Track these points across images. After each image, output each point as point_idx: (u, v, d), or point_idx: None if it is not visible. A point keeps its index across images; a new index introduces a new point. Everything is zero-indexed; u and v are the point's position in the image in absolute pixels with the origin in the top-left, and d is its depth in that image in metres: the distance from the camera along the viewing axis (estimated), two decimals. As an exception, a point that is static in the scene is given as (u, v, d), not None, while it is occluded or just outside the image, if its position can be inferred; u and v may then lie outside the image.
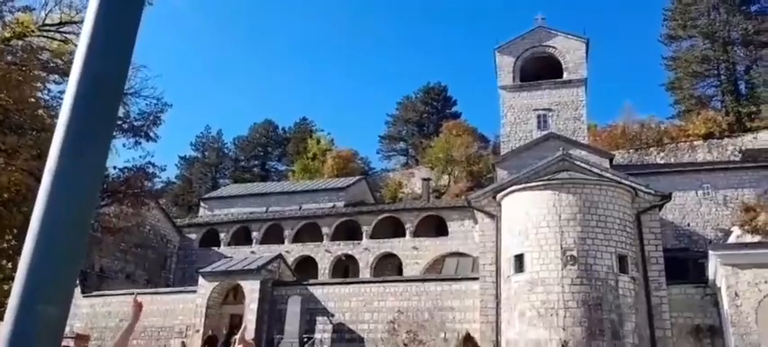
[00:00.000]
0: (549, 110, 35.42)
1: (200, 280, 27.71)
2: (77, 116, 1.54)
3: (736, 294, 18.56)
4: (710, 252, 20.08)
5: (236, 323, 26.28)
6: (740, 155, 39.10)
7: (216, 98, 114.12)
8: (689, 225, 32.93)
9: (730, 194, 32.77)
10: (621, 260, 20.73)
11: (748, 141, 40.86)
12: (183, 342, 27.07)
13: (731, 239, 28.23)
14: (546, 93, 35.87)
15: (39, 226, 1.47)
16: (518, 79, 36.68)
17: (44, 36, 14.58)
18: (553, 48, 36.73)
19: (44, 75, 13.65)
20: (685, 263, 25.24)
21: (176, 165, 71.69)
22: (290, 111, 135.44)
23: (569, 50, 36.31)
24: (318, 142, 62.33)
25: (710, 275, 20.65)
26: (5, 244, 12.53)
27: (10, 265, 12.64)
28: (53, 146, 1.52)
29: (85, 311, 30.03)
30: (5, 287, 12.57)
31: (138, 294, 6.70)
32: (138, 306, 4.87)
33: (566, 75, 35.84)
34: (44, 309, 1.43)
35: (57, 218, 1.47)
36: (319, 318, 25.45)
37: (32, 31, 14.13)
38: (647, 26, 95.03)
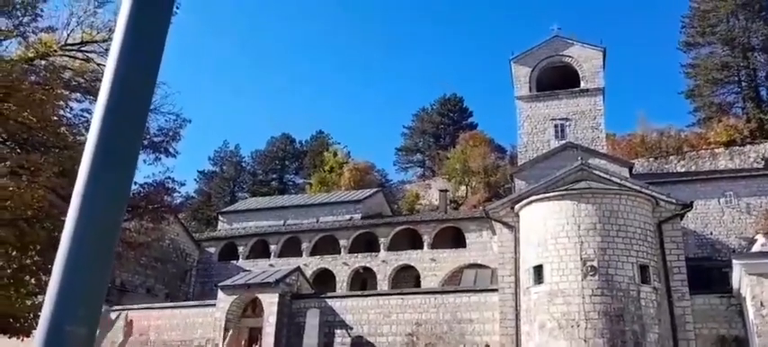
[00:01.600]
0: (567, 119, 35.23)
1: (220, 293, 27.86)
2: (105, 139, 1.56)
3: (762, 304, 18.16)
4: (734, 261, 19.71)
5: (254, 336, 26.38)
6: (763, 161, 38.46)
7: (233, 113, 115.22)
8: (711, 233, 32.41)
9: (753, 202, 32.23)
10: (643, 270, 20.46)
11: (771, 148, 40.20)
12: None
13: (755, 248, 27.64)
14: (563, 102, 35.71)
15: (67, 249, 1.49)
16: (535, 89, 36.57)
17: (66, 55, 14.83)
18: (570, 57, 36.59)
19: (67, 93, 13.86)
20: (709, 273, 24.78)
21: (195, 180, 72.37)
22: (306, 125, 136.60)
23: (586, 60, 36.14)
24: (335, 155, 62.48)
25: (735, 284, 20.26)
26: (28, 261, 12.69)
27: (33, 281, 12.80)
28: (81, 170, 1.55)
29: (107, 325, 30.33)
30: (28, 302, 12.72)
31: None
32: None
33: (583, 85, 35.66)
34: (73, 330, 1.45)
35: (85, 241, 1.50)
36: (338, 331, 25.43)
37: (55, 51, 14.39)
38: (662, 34, 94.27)
